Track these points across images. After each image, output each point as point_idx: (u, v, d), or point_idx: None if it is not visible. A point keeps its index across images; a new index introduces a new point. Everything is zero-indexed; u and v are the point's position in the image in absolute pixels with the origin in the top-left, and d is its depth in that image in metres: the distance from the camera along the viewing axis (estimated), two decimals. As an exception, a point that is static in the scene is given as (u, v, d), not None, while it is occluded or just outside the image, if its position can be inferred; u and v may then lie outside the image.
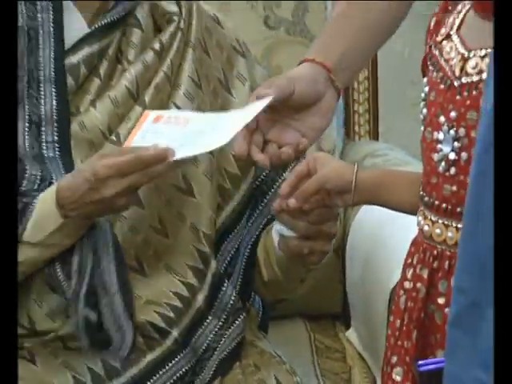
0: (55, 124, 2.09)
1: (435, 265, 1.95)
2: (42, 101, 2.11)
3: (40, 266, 2.00)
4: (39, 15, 2.07)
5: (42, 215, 1.97)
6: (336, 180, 1.90)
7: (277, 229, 2.05)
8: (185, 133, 1.88)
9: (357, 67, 2.05)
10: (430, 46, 1.88)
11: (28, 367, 2.00)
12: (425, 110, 1.87)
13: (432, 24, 1.94)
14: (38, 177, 2.03)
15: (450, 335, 1.61)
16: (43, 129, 2.09)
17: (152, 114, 1.94)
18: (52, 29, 2.08)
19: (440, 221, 1.88)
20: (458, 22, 1.84)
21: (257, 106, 1.78)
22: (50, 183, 2.00)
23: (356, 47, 1.93)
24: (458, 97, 1.78)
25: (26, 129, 2.09)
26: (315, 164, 1.91)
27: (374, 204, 2.06)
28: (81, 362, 2.01)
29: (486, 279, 1.51)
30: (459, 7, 1.86)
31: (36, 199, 1.98)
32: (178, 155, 1.83)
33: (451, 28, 1.83)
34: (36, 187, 2.01)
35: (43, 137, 2.09)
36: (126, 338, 1.95)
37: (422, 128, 1.89)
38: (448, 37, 1.83)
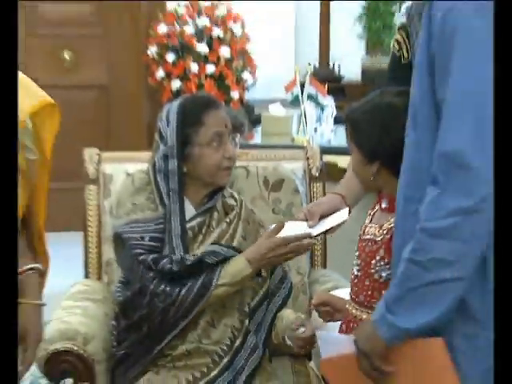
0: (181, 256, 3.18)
1: None
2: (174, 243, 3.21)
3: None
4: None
5: (236, 269, 3.15)
6: None
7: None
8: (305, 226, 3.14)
9: (357, 198, 3.23)
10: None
11: (155, 377, 3.14)
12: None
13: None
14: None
15: None
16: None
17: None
18: (179, 211, 3.22)
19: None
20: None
21: (342, 213, 3.16)
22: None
23: (356, 190, 3.15)
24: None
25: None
26: None
27: None
28: (180, 375, 3.15)
29: None
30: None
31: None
32: (315, 232, 3.11)
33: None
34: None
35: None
36: None
37: None
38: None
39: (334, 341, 2.57)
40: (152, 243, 3.13)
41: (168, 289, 3.05)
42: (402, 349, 2.24)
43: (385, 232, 2.79)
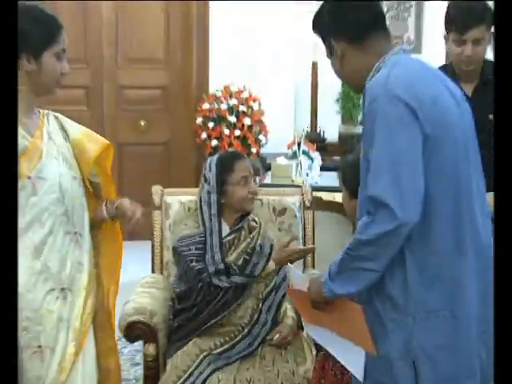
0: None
1: None
2: (214, 252, 3.21)
3: None
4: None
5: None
6: None
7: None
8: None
9: None
10: None
11: (198, 340, 3.15)
12: None
13: None
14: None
15: None
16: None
17: None
18: (218, 230, 3.24)
19: None
20: None
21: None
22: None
23: None
24: None
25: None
26: None
27: None
28: (215, 339, 3.17)
29: None
30: None
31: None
32: None
33: None
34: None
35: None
36: None
37: None
38: None
39: (297, 276, 2.65)
40: (196, 252, 3.19)
41: (211, 289, 3.15)
42: (334, 301, 2.31)
43: None
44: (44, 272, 2.43)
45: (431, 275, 2.19)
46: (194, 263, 3.16)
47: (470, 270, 2.22)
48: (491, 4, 3.26)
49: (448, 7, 3.43)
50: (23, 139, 2.43)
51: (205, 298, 3.14)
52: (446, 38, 3.43)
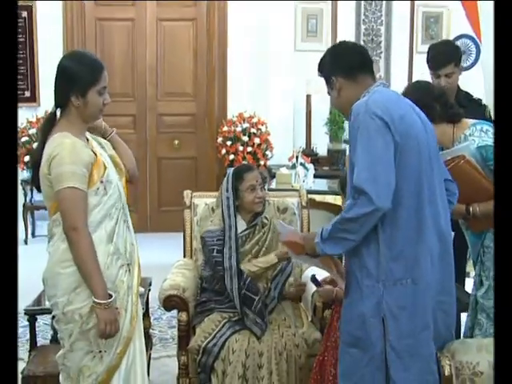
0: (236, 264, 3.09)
1: None
2: (231, 243, 3.12)
3: None
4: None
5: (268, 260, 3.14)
6: None
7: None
8: None
9: None
10: None
11: (219, 313, 3.09)
12: None
13: None
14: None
15: None
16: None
17: None
18: (234, 227, 3.15)
19: None
20: None
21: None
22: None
23: None
24: None
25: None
26: None
27: None
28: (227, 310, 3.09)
29: None
30: None
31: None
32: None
33: None
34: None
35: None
36: None
37: None
38: None
39: (287, 229, 2.63)
40: (217, 242, 3.13)
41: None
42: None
43: None
44: (115, 253, 2.45)
45: (397, 251, 2.24)
46: (214, 253, 3.12)
47: (426, 251, 2.26)
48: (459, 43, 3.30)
49: (428, 51, 3.59)
50: (91, 153, 2.43)
51: (223, 284, 3.10)
52: (431, 73, 3.58)
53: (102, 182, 2.43)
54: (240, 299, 3.04)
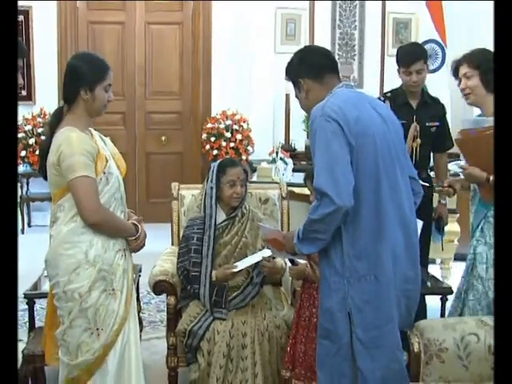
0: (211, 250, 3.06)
1: None
2: (209, 233, 3.07)
3: None
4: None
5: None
6: None
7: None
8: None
9: None
10: None
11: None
12: None
13: None
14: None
15: None
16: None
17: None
18: (214, 217, 3.09)
19: None
20: None
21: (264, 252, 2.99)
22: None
23: None
24: None
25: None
26: None
27: None
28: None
29: None
30: None
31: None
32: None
33: None
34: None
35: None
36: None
37: None
38: None
39: (268, 229, 2.68)
40: (198, 230, 3.10)
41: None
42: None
43: None
44: (113, 238, 2.50)
45: (360, 249, 2.20)
46: (194, 240, 3.08)
47: (388, 248, 2.22)
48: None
49: (397, 51, 3.67)
50: (95, 146, 2.47)
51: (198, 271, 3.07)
52: (399, 71, 3.64)
53: (104, 173, 2.47)
54: (210, 288, 3.00)
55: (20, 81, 2.35)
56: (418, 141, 3.57)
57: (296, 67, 2.38)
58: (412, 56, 3.54)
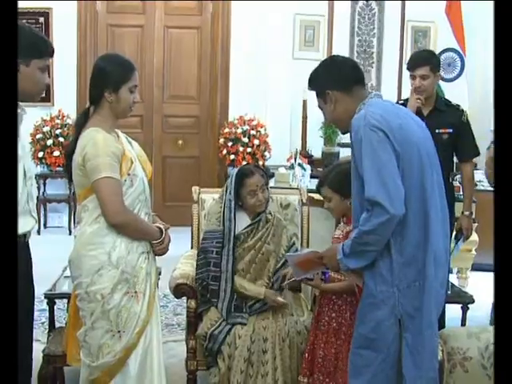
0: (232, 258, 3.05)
1: None
2: (229, 246, 3.04)
3: None
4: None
5: None
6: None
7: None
8: None
9: None
10: None
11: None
12: None
13: None
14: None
15: None
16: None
17: None
18: (233, 229, 3.06)
19: None
20: None
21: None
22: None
23: None
24: None
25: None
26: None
27: None
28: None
29: None
30: None
31: None
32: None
33: None
34: None
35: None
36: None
37: None
38: None
39: (295, 257, 2.61)
40: (217, 244, 3.06)
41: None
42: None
43: (344, 233, 2.73)
44: (137, 240, 2.50)
45: (409, 256, 2.21)
46: (214, 254, 3.05)
47: (431, 254, 2.23)
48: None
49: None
50: (120, 147, 2.47)
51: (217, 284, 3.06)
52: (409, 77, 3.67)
53: (129, 174, 2.47)
54: (229, 302, 3.00)
55: (47, 80, 2.35)
56: None
57: (323, 79, 2.34)
58: (417, 61, 3.56)
